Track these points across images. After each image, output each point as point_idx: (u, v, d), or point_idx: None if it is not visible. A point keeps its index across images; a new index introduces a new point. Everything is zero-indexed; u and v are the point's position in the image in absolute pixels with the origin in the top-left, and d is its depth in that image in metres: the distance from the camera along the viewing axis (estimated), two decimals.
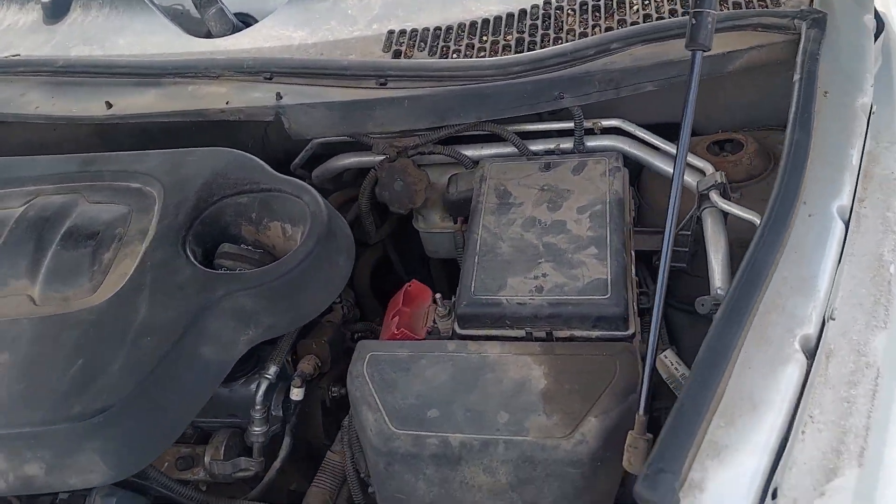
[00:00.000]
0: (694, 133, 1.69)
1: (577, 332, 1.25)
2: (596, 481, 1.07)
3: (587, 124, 1.58)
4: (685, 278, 1.48)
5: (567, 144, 1.60)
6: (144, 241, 1.35)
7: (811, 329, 1.03)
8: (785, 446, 0.94)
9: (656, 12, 1.61)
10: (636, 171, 1.62)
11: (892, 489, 0.95)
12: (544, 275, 1.29)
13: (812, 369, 1.02)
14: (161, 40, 1.85)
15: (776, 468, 0.92)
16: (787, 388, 0.97)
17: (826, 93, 1.34)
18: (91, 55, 1.83)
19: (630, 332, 1.23)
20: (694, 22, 1.10)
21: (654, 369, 1.03)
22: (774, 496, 0.92)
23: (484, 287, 1.30)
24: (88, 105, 1.70)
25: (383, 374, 1.21)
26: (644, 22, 1.59)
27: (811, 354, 1.02)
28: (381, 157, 1.64)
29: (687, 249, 1.44)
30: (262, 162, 1.45)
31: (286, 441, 1.44)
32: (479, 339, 1.27)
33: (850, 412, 1.01)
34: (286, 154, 1.74)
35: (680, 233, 1.43)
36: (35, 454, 1.15)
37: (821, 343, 1.04)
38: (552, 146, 1.61)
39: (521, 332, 1.26)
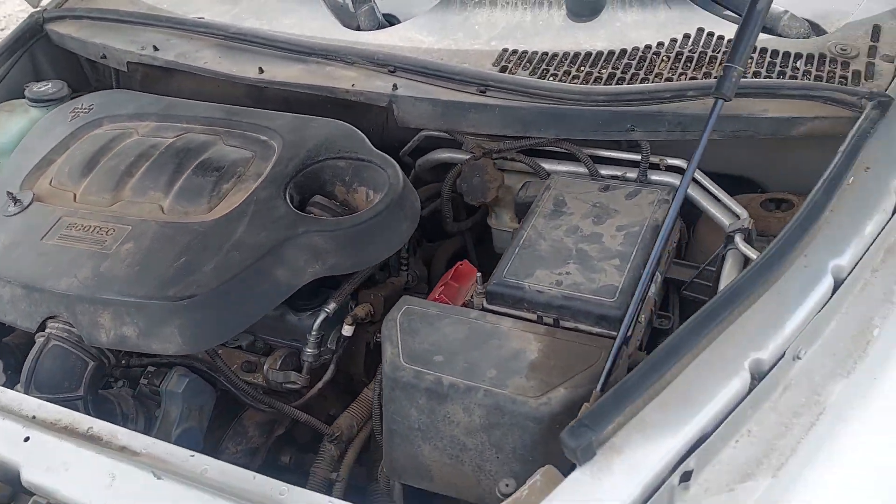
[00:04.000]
0: (761, 189, 1.82)
1: (581, 326, 1.43)
2: (550, 439, 1.24)
3: (654, 159, 1.74)
4: None
5: (632, 174, 1.77)
6: (256, 182, 1.65)
7: (765, 356, 1.16)
8: (704, 441, 1.09)
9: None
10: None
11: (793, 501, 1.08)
12: (568, 273, 1.48)
13: (761, 393, 1.16)
14: (317, 26, 2.17)
15: (689, 454, 1.07)
16: (723, 396, 1.12)
17: (867, 168, 1.45)
18: (257, 28, 2.16)
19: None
20: (722, 74, 1.26)
21: (617, 358, 1.21)
22: (686, 479, 1.07)
23: (514, 273, 1.50)
24: (245, 67, 2.03)
25: (412, 322, 1.44)
26: None
27: (759, 377, 1.15)
28: (469, 155, 1.87)
29: (710, 284, 1.57)
30: (364, 137, 1.73)
31: (331, 368, 1.69)
32: (499, 314, 1.48)
33: (784, 435, 1.14)
34: (400, 143, 2.00)
35: (706, 268, 1.57)
36: (133, 320, 1.46)
37: (780, 376, 1.18)
38: (619, 173, 1.79)
39: (534, 316, 1.46)
